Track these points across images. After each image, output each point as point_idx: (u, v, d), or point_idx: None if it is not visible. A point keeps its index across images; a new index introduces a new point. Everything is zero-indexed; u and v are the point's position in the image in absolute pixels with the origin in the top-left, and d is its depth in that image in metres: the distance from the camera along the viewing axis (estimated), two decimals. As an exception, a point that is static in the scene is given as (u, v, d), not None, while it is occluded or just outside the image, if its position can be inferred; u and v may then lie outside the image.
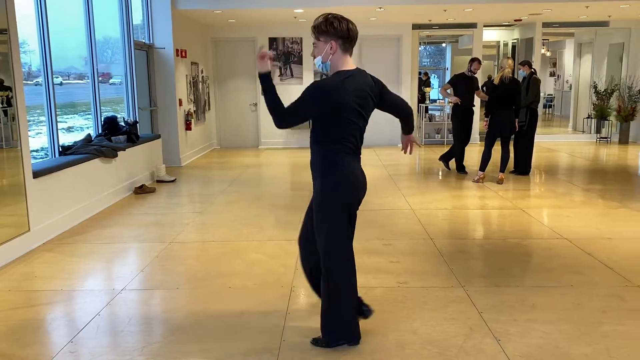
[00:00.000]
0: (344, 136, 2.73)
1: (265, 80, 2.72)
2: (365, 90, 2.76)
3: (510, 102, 7.22)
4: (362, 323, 3.00)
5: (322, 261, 2.82)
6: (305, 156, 8.92)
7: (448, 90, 8.17)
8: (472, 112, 8.32)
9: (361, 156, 2.89)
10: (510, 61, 7.35)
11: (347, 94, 2.67)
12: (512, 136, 7.63)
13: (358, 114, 2.73)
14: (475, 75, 8.12)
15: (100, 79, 6.81)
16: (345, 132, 2.72)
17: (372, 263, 4.24)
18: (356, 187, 2.80)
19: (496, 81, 7.24)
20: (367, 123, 2.84)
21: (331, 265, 2.80)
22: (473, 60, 8.08)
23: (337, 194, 2.75)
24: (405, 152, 3.23)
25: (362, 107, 2.74)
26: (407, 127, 3.21)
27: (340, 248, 2.80)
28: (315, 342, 2.94)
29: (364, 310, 3.01)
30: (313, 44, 2.78)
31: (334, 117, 2.69)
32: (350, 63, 2.77)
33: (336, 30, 2.68)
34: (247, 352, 2.89)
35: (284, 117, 2.70)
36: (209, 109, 11.36)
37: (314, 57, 2.79)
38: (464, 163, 8.24)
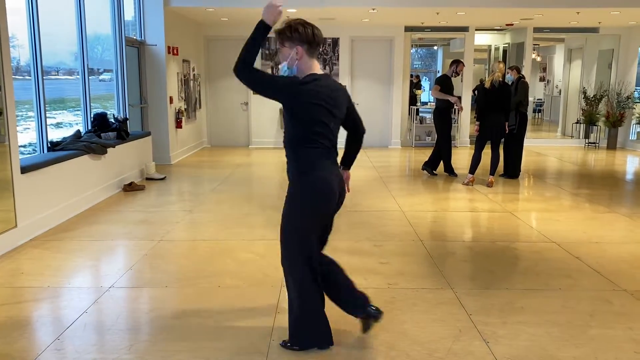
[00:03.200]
0: (316, 138, 2.69)
1: (262, 34, 2.60)
2: (336, 93, 2.74)
3: (500, 106, 7.26)
4: (353, 323, 3.00)
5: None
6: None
7: (440, 90, 8.15)
8: (451, 112, 8.35)
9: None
10: (501, 65, 7.40)
11: (317, 95, 2.64)
12: (502, 140, 7.68)
13: (330, 115, 2.70)
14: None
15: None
16: (318, 134, 2.69)
17: (362, 264, 4.24)
18: (329, 195, 2.72)
19: (487, 85, 7.27)
20: (339, 127, 2.82)
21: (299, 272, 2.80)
22: (458, 62, 8.16)
23: (309, 200, 2.71)
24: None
25: (333, 108, 2.71)
26: (353, 153, 3.04)
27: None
28: (285, 344, 2.92)
29: (370, 311, 2.90)
30: (277, 49, 2.74)
31: (306, 117, 2.67)
32: (317, 67, 2.75)
33: (301, 36, 2.65)
34: (236, 351, 2.88)
35: (249, 72, 2.61)
36: (200, 107, 11.31)
37: (279, 64, 2.76)
38: (453, 164, 8.27)
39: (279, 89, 2.68)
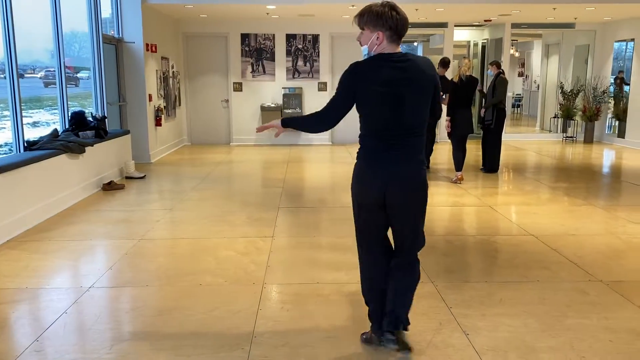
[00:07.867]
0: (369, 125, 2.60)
1: (288, 124, 2.76)
2: (401, 76, 2.50)
3: (468, 101, 7.34)
4: (324, 317, 3.01)
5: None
6: (276, 153, 8.89)
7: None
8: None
9: (400, 150, 2.59)
10: (466, 60, 7.51)
11: (368, 79, 2.50)
12: (482, 134, 7.76)
13: (381, 100, 2.51)
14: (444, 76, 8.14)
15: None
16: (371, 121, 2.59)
17: (343, 259, 4.26)
18: (369, 182, 2.64)
19: (455, 79, 7.36)
20: (406, 113, 2.53)
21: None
22: (448, 62, 8.15)
23: (353, 186, 2.75)
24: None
25: (389, 94, 2.50)
26: None
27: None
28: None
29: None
30: (362, 31, 2.58)
31: (359, 103, 2.57)
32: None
33: (385, 21, 2.49)
34: (218, 348, 2.88)
35: (326, 114, 2.62)
36: (180, 104, 11.23)
37: (361, 44, 2.60)
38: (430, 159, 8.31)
39: (341, 88, 2.58)
